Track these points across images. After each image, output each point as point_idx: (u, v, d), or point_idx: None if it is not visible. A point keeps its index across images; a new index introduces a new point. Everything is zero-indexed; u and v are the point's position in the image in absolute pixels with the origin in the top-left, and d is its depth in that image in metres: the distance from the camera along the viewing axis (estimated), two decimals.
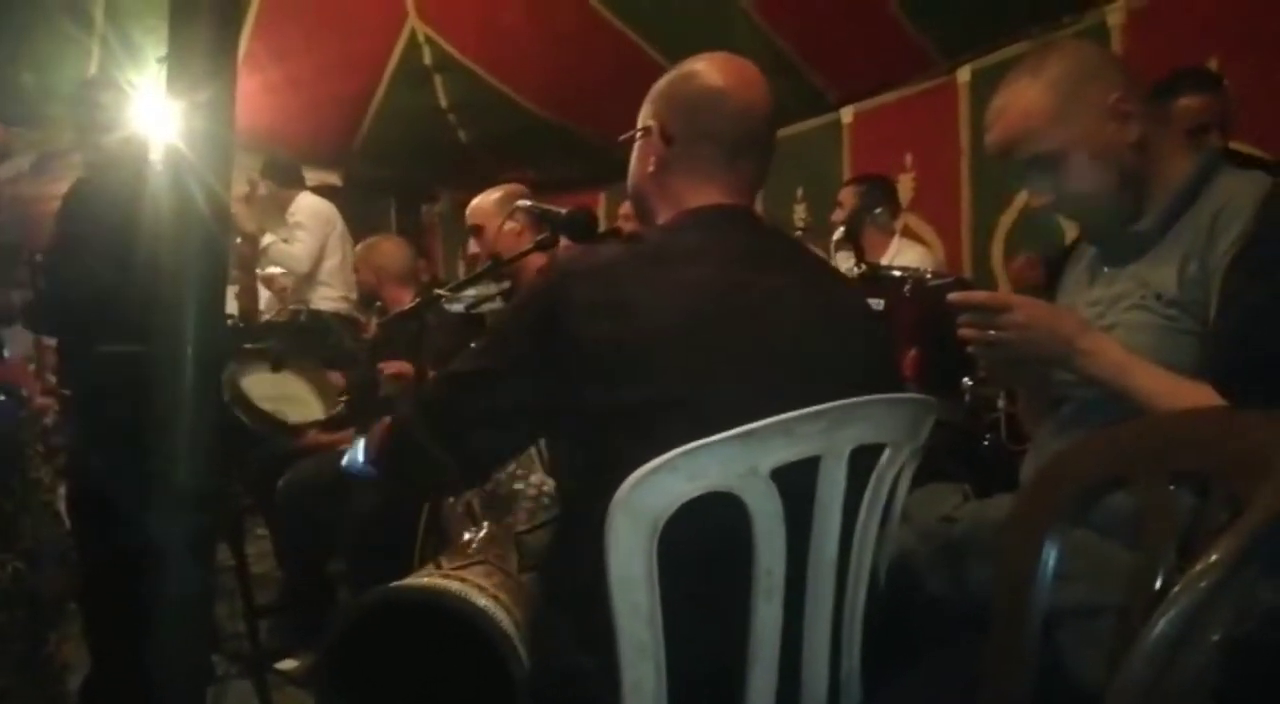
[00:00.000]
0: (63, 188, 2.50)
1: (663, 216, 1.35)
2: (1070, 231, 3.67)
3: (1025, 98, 1.44)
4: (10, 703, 1.85)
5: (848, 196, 3.85)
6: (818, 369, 1.23)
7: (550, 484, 1.59)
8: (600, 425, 1.17)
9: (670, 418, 1.12)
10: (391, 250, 3.49)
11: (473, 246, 2.72)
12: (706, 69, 1.34)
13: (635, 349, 1.15)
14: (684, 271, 1.22)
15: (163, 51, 1.24)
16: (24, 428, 2.15)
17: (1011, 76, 1.48)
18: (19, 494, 1.92)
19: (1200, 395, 1.24)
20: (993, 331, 1.36)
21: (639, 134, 1.38)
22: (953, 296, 1.40)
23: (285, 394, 2.60)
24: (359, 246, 3.61)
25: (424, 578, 1.27)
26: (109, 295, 2.16)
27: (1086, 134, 1.42)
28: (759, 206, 1.48)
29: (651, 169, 1.36)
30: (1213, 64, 3.06)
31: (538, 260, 1.79)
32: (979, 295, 1.42)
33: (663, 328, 1.17)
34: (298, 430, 2.90)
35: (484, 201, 2.70)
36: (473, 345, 1.30)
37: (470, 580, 1.26)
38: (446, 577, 1.26)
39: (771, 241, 1.39)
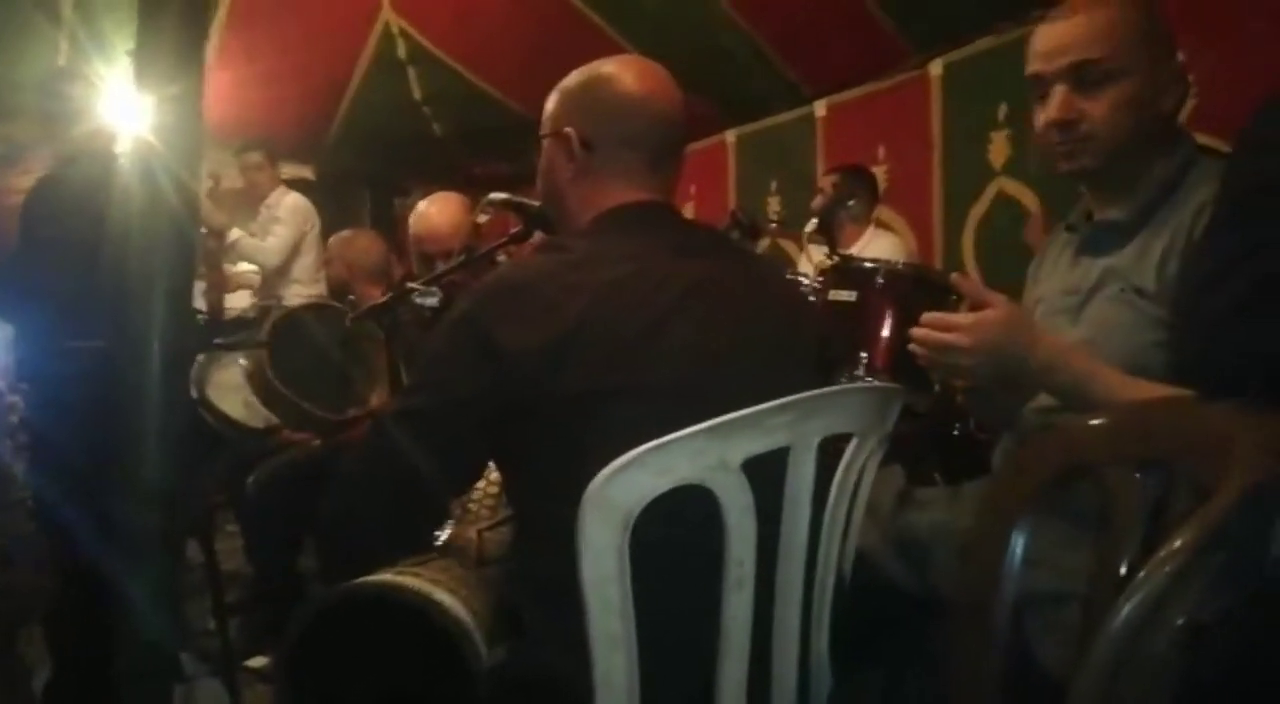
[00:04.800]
0: (29, 181, 2.48)
1: (580, 219, 1.35)
2: (1034, 227, 3.72)
3: (1119, 6, 1.41)
4: None
5: (827, 185, 3.88)
6: (754, 352, 1.25)
7: None
8: (550, 428, 1.17)
9: (617, 413, 1.14)
10: (366, 246, 3.45)
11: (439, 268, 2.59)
12: (622, 74, 1.34)
13: (572, 350, 1.16)
14: (613, 269, 1.22)
15: (131, 45, 1.23)
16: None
17: None
18: None
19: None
20: (940, 358, 1.35)
21: (551, 139, 1.37)
22: (925, 319, 1.38)
23: None
24: (332, 239, 3.57)
25: (379, 576, 1.26)
26: (73, 289, 2.14)
27: (1144, 71, 1.39)
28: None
29: (570, 175, 1.35)
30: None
31: (515, 253, 1.79)
32: (935, 319, 1.37)
33: (597, 326, 1.17)
34: (267, 431, 2.88)
35: (442, 224, 2.62)
36: (408, 382, 1.29)
37: (425, 575, 1.25)
38: (401, 573, 1.26)
39: (695, 232, 1.41)
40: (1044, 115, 1.45)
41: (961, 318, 1.36)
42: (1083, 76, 1.41)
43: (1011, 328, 1.32)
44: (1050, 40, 1.45)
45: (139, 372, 1.01)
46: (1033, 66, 1.47)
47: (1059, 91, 1.43)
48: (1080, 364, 1.32)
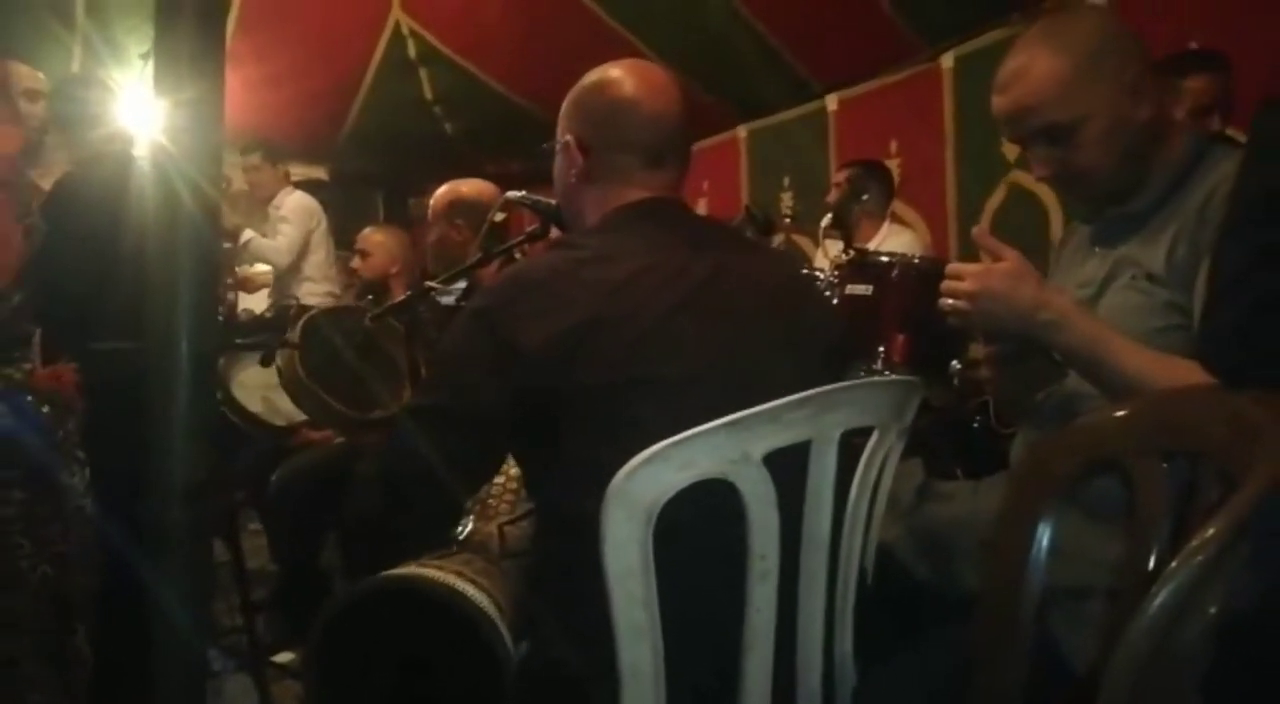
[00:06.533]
0: (47, 184, 2.50)
1: (591, 221, 1.37)
2: (1054, 219, 3.70)
3: (1045, 64, 1.40)
4: (35, 689, 1.89)
5: (842, 180, 3.87)
6: (767, 344, 1.26)
7: None
8: (566, 422, 1.18)
9: (632, 406, 1.15)
10: (409, 242, 3.51)
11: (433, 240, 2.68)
12: (618, 78, 1.35)
13: (586, 345, 1.17)
14: (625, 264, 1.23)
15: (144, 48, 1.24)
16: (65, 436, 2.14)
17: (1028, 42, 1.44)
18: (52, 500, 1.94)
19: (1183, 372, 1.23)
20: (949, 301, 1.37)
21: (557, 147, 1.40)
22: (948, 269, 1.41)
23: (277, 388, 2.59)
24: (373, 233, 3.55)
25: (402, 569, 1.27)
26: (93, 291, 2.16)
27: (1102, 106, 1.39)
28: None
29: (573, 180, 1.38)
30: (1192, 47, 3.08)
31: (531, 251, 1.81)
32: (951, 269, 1.41)
33: (611, 320, 1.18)
34: (288, 430, 2.90)
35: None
36: (424, 380, 1.30)
37: (449, 567, 1.26)
38: (424, 566, 1.27)
39: (706, 227, 1.43)
40: (1033, 171, 1.49)
41: (970, 266, 1.39)
42: (1049, 135, 1.43)
43: (1016, 279, 1.33)
44: (1003, 112, 1.47)
45: (167, 371, 1.02)
46: (1003, 130, 1.50)
47: (1035, 150, 1.46)
48: (1090, 328, 1.32)
